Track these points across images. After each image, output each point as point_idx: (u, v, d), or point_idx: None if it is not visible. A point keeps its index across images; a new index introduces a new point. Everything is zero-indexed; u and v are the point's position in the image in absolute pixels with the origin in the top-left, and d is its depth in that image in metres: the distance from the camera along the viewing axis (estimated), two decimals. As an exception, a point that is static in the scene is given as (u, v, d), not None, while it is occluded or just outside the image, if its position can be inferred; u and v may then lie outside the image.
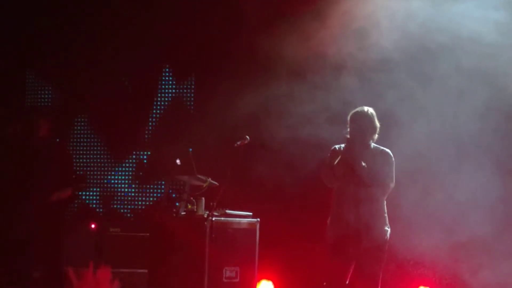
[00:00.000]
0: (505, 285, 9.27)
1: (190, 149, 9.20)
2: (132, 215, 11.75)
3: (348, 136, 7.31)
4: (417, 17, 9.25)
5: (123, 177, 11.97)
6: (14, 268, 8.74)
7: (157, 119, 11.99)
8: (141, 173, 11.86)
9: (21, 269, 8.77)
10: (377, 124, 7.34)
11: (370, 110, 7.35)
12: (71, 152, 11.32)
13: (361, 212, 7.15)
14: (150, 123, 12.01)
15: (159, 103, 12.01)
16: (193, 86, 11.82)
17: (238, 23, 10.80)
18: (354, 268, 7.21)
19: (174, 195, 10.97)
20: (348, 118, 7.36)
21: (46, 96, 12.32)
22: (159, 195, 11.70)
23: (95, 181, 12.03)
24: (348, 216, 7.19)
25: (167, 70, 12.03)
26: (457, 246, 9.42)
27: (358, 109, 7.36)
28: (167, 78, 12.03)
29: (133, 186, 11.88)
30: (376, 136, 7.35)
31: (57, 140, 9.35)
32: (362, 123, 7.27)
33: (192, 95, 11.80)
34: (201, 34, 11.25)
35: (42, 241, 8.72)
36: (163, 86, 12.02)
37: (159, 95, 12.02)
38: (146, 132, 12.01)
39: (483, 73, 9.27)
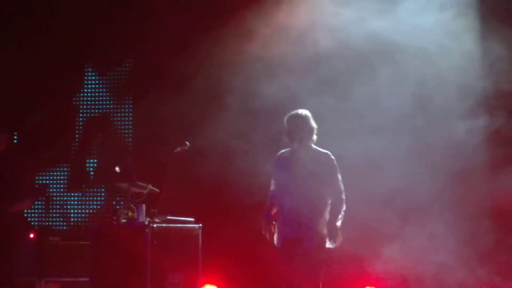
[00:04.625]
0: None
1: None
2: (68, 227, 11.61)
3: (287, 140, 7.38)
4: (354, 22, 9.42)
5: (60, 186, 11.83)
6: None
7: (85, 128, 11.87)
8: (78, 182, 11.72)
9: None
10: (313, 125, 7.38)
11: (304, 112, 7.40)
12: (31, 164, 11.20)
13: (304, 216, 7.21)
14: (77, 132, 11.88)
15: (85, 109, 11.88)
16: (131, 97, 11.73)
17: (175, 24, 10.83)
18: (297, 268, 7.27)
19: (114, 203, 10.91)
20: (284, 122, 7.41)
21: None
22: (99, 203, 11.59)
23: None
24: (291, 221, 7.24)
25: (91, 70, 11.89)
26: (397, 243, 9.61)
27: (293, 112, 7.41)
28: (95, 79, 11.89)
29: (73, 195, 11.75)
30: (314, 137, 7.39)
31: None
32: (297, 126, 7.32)
33: (131, 103, 11.71)
34: (141, 32, 11.22)
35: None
36: (95, 92, 11.89)
37: (84, 100, 11.87)
38: (75, 141, 11.88)
39: (413, 73, 9.51)
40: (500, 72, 9.46)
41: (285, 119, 7.40)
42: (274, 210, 7.38)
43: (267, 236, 7.32)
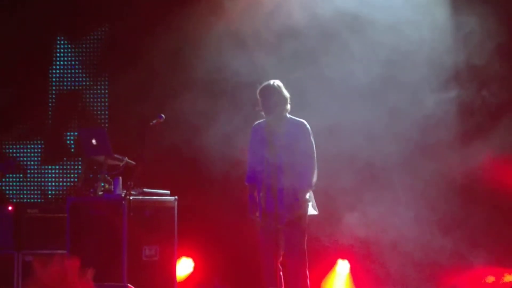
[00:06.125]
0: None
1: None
2: (45, 200, 11.61)
3: (262, 112, 7.44)
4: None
5: (36, 159, 11.81)
6: None
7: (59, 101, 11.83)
8: (53, 155, 11.70)
9: None
10: (286, 94, 7.48)
11: (275, 82, 7.51)
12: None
13: (284, 188, 7.28)
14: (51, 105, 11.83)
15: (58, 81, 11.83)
16: (106, 69, 11.67)
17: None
18: (284, 241, 7.35)
19: (91, 176, 10.91)
20: (257, 94, 7.46)
21: None
22: (76, 176, 11.60)
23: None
24: (271, 190, 7.32)
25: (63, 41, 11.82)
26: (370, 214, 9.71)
27: (265, 84, 7.52)
28: (68, 50, 11.82)
29: (50, 168, 11.74)
30: (288, 106, 7.46)
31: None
32: (269, 96, 7.38)
33: (106, 75, 11.67)
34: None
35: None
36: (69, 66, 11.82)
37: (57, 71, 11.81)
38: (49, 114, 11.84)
39: (383, 46, 9.53)
40: (471, 45, 9.48)
41: (257, 91, 7.47)
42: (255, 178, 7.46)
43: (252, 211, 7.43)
